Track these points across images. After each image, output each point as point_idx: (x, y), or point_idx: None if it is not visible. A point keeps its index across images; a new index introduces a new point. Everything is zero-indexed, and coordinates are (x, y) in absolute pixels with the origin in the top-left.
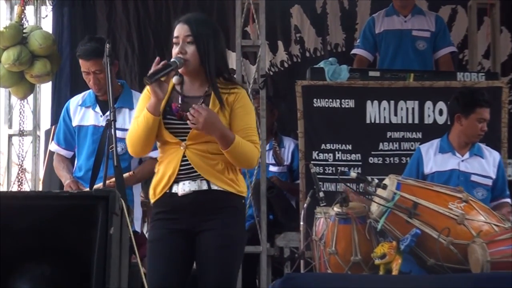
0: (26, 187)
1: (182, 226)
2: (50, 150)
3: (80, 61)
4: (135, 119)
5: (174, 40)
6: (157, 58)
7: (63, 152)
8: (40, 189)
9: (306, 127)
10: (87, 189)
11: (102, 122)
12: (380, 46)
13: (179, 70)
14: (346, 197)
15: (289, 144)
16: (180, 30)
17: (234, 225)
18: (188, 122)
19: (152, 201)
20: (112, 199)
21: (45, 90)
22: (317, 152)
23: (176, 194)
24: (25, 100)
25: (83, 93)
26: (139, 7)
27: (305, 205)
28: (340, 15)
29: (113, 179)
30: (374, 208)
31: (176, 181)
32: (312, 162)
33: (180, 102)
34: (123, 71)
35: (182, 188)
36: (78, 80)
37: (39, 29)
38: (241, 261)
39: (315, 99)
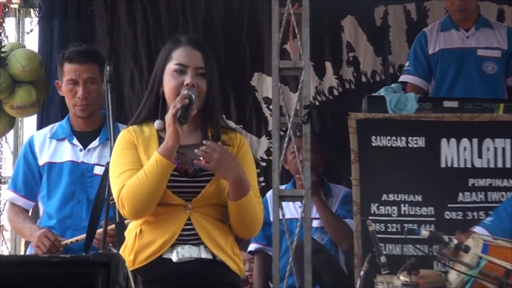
0: (5, 250)
1: None
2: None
3: (66, 66)
4: (124, 174)
5: (176, 67)
6: (185, 92)
7: (21, 201)
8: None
9: (363, 173)
10: (65, 242)
11: (82, 157)
12: (435, 70)
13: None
14: (415, 262)
15: (338, 193)
16: (191, 57)
17: None
18: (195, 162)
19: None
20: (115, 265)
21: (29, 125)
22: (376, 204)
23: (169, 260)
24: (4, 138)
25: (50, 126)
26: (148, 19)
27: (362, 272)
28: (406, 28)
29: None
30: (453, 277)
31: (170, 247)
32: (370, 217)
33: (176, 153)
34: (128, 100)
35: (180, 253)
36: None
37: (21, 48)
38: None
39: (373, 137)
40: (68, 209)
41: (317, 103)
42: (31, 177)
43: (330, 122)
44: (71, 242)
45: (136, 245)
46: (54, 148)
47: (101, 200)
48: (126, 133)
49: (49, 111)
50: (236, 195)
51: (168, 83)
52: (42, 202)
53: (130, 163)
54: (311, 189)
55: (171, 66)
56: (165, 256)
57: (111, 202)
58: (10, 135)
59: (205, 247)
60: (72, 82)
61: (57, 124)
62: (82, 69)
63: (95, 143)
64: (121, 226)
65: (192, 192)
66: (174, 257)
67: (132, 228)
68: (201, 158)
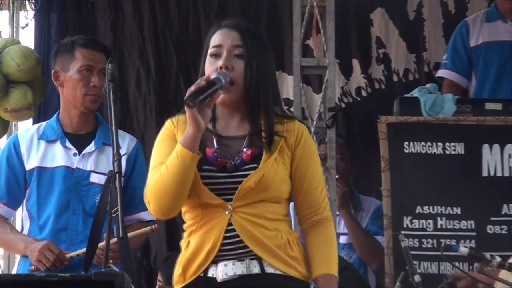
0: None
1: None
2: None
3: (81, 51)
4: (155, 168)
5: (212, 50)
6: (206, 75)
7: (3, 210)
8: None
9: (394, 183)
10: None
11: (77, 163)
12: (476, 65)
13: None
14: (453, 282)
15: (368, 206)
16: (225, 36)
17: None
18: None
19: (178, 287)
20: (120, 285)
21: (25, 129)
22: (410, 218)
23: (214, 279)
24: None
25: (35, 125)
26: (156, 13)
27: None
28: (443, 21)
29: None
30: None
31: (215, 260)
32: (403, 232)
33: (216, 145)
34: (134, 102)
35: (223, 271)
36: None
37: (16, 44)
38: None
39: (406, 143)
40: (62, 221)
41: (343, 105)
42: (15, 183)
43: (357, 127)
44: (77, 255)
45: (183, 260)
46: (44, 150)
47: (102, 212)
48: (168, 123)
49: (47, 114)
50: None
51: (206, 71)
52: (30, 212)
53: (163, 155)
54: (339, 202)
55: (209, 51)
56: (210, 274)
57: (113, 215)
58: (3, 141)
59: (252, 258)
60: (87, 69)
61: (43, 123)
62: (98, 57)
63: (91, 147)
64: (124, 242)
65: (231, 189)
66: (219, 276)
67: (182, 242)
68: None
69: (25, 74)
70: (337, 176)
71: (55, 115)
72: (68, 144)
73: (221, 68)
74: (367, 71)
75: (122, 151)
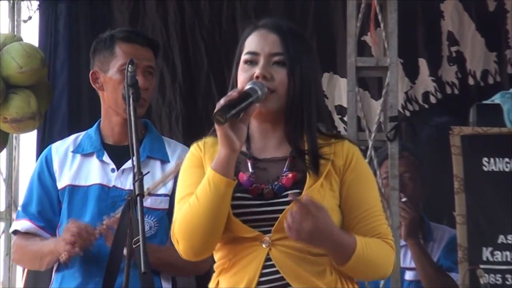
0: None
1: None
2: (16, 232)
3: (121, 46)
4: (183, 201)
5: (246, 57)
6: (240, 87)
7: (40, 232)
8: None
9: (471, 207)
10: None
11: (115, 180)
12: None
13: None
14: None
15: (441, 236)
16: (262, 41)
17: None
18: (285, 226)
19: None
20: None
21: (28, 143)
22: (490, 249)
23: None
24: None
25: (74, 136)
26: (183, 3)
27: None
28: None
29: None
30: None
31: None
32: (481, 266)
33: (251, 169)
34: (157, 110)
35: None
36: (82, 125)
37: (17, 41)
38: None
39: (485, 159)
40: (94, 250)
41: (407, 113)
42: (48, 204)
43: (424, 140)
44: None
45: None
46: (78, 166)
47: (120, 244)
48: (194, 148)
49: (53, 125)
50: (339, 260)
51: (239, 79)
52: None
53: (191, 185)
54: (406, 229)
55: (243, 57)
56: None
57: (133, 246)
58: (2, 157)
59: None
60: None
61: (83, 133)
62: (142, 52)
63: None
64: (147, 277)
65: (270, 220)
66: None
67: (210, 284)
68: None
69: (28, 77)
70: (404, 199)
71: (96, 124)
72: (105, 158)
73: (257, 77)
74: (437, 73)
75: (171, 165)
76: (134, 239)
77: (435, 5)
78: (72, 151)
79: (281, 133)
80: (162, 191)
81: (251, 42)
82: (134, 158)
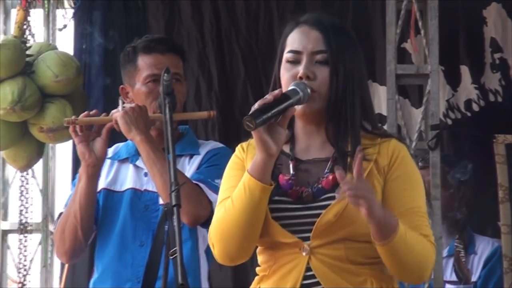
0: None
1: None
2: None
3: (143, 59)
4: (221, 204)
5: (288, 56)
6: (278, 90)
7: None
8: None
9: None
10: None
11: (146, 184)
12: None
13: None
14: None
15: (483, 248)
16: (304, 39)
17: None
18: (336, 193)
19: None
20: None
21: (64, 153)
22: None
23: None
24: (30, 172)
25: (116, 144)
26: (219, 9)
27: None
28: None
29: None
30: None
31: None
32: None
33: (292, 171)
34: (192, 119)
35: None
36: (117, 134)
37: (53, 50)
38: None
39: None
40: (128, 255)
41: (449, 122)
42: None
43: (467, 148)
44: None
45: None
46: (115, 172)
47: (157, 255)
48: (238, 149)
49: None
50: (380, 235)
51: (282, 79)
52: (97, 246)
53: (231, 188)
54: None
55: (285, 56)
56: None
57: (170, 258)
58: (39, 167)
59: None
60: (153, 80)
61: (120, 144)
62: (164, 60)
63: None
64: None
65: (308, 224)
66: None
67: None
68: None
69: (63, 86)
70: None
71: None
72: (139, 162)
73: (300, 78)
74: (480, 80)
75: (199, 156)
76: (171, 251)
77: (478, 11)
78: (110, 158)
79: (325, 134)
80: None
81: (293, 40)
82: (171, 167)
